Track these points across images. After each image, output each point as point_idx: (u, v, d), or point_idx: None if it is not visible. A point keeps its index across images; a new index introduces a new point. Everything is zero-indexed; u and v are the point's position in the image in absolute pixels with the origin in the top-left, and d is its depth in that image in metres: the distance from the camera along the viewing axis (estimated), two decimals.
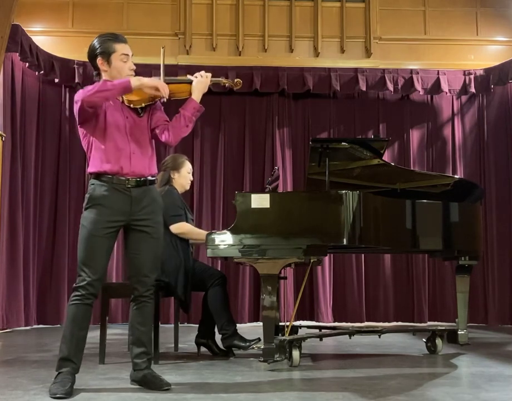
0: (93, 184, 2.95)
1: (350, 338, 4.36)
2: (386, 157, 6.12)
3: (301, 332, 4.62)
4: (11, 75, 6.42)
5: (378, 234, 3.83)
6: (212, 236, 3.65)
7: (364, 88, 7.22)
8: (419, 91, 7.29)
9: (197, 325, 4.23)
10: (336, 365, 3.88)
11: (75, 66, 6.91)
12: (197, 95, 3.08)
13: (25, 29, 6.44)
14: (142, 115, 3.03)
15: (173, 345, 4.48)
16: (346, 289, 7.15)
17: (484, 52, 7.57)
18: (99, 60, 2.97)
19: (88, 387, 2.96)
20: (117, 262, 6.95)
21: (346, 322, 6.97)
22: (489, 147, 7.36)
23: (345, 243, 3.63)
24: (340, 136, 7.30)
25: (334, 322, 7.00)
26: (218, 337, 4.06)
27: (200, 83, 3.10)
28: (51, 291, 6.80)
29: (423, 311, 7.12)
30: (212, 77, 3.17)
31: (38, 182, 6.83)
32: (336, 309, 7.13)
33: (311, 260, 3.67)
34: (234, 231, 3.61)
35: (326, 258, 6.85)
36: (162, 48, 3.12)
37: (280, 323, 4.40)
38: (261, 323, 3.76)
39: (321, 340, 4.38)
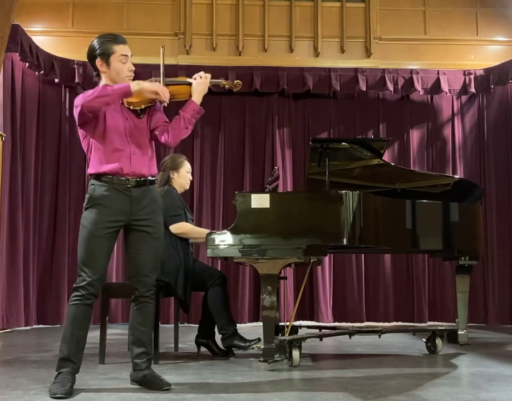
0: (93, 185, 2.95)
1: (350, 338, 4.36)
2: (386, 157, 6.12)
3: (301, 332, 4.62)
4: (11, 75, 6.42)
5: (378, 234, 3.83)
6: (212, 236, 3.65)
7: (364, 88, 7.22)
8: (419, 91, 7.29)
9: (197, 325, 4.23)
10: (336, 365, 3.88)
11: (75, 66, 6.91)
12: (197, 97, 3.08)
13: (25, 29, 6.44)
14: (141, 116, 3.03)
15: (173, 345, 4.48)
16: (346, 289, 7.15)
17: (484, 52, 7.57)
18: (98, 62, 2.97)
19: (88, 387, 2.96)
20: (117, 262, 6.95)
21: (347, 322, 6.97)
22: (489, 147, 7.36)
23: (345, 243, 3.64)
24: (340, 136, 7.30)
25: (334, 322, 7.00)
26: (218, 337, 4.06)
27: (200, 84, 3.10)
28: (51, 291, 6.80)
29: (423, 311, 7.12)
30: (211, 78, 3.16)
31: (38, 182, 6.83)
32: (336, 309, 7.13)
33: (311, 260, 3.67)
34: (234, 231, 3.61)
35: (326, 258, 6.85)
36: (162, 47, 3.11)
37: (280, 323, 4.40)
38: (261, 323, 3.76)
39: (321, 340, 4.38)
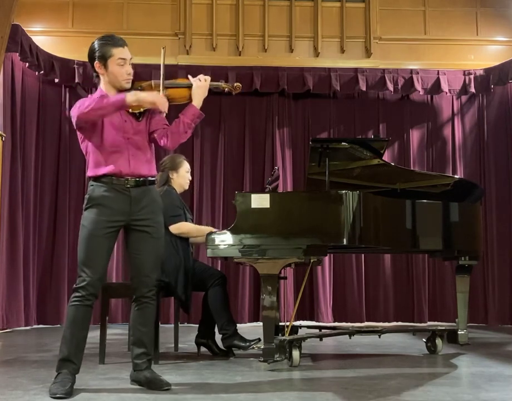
0: (92, 185, 2.96)
1: (350, 338, 4.36)
2: (386, 157, 6.12)
3: (301, 332, 4.62)
4: (11, 75, 6.42)
5: (378, 234, 3.84)
6: (212, 236, 3.65)
7: (364, 88, 7.22)
8: (419, 91, 7.29)
9: (197, 325, 4.23)
10: (336, 365, 3.88)
11: (75, 66, 6.91)
12: (197, 101, 3.06)
13: (25, 29, 6.44)
14: (140, 119, 3.02)
15: (173, 345, 4.48)
16: (346, 289, 7.15)
17: (484, 52, 7.57)
18: (96, 64, 2.97)
19: (88, 387, 2.96)
20: (117, 262, 6.95)
21: (347, 322, 6.97)
22: (489, 147, 7.36)
23: (345, 243, 3.64)
24: (340, 136, 7.30)
25: (334, 322, 7.00)
26: (218, 337, 4.06)
27: (200, 88, 3.08)
28: (51, 291, 6.80)
29: (423, 311, 7.12)
30: (211, 81, 3.14)
31: (38, 182, 6.83)
32: (336, 309, 7.13)
33: (311, 260, 3.67)
34: (234, 231, 3.61)
35: (326, 258, 6.85)
36: (163, 48, 3.09)
37: (280, 323, 4.40)
38: (261, 323, 3.76)
39: (321, 340, 4.38)
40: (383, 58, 7.48)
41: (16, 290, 6.25)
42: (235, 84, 3.24)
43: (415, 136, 7.50)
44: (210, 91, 3.16)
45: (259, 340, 3.86)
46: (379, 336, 4.32)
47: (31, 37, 6.56)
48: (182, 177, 4.26)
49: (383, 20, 7.57)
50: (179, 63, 7.15)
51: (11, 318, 6.18)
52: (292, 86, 7.26)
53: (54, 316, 6.73)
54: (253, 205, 3.61)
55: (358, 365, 3.77)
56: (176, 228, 4.02)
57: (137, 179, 2.96)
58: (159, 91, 2.98)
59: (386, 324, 6.99)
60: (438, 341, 4.25)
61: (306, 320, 7.00)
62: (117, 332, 5.84)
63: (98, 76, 3.03)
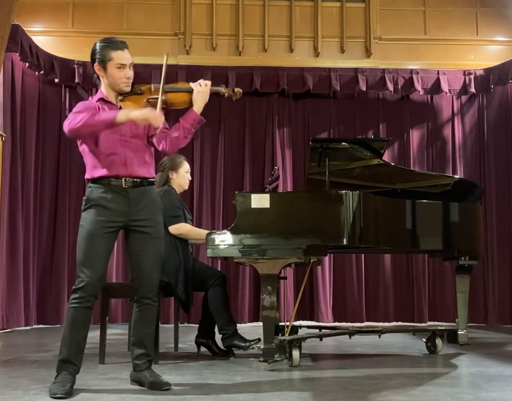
0: (90, 187, 2.96)
1: (350, 338, 4.36)
2: (386, 157, 6.12)
3: (301, 332, 4.62)
4: (11, 75, 6.42)
5: (378, 234, 3.83)
6: (212, 236, 3.65)
7: (364, 88, 7.22)
8: (419, 91, 7.29)
9: (197, 325, 4.23)
10: (336, 365, 3.88)
11: (75, 66, 6.91)
12: (198, 106, 3.04)
13: (25, 29, 6.44)
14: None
15: (173, 345, 4.48)
16: (346, 289, 7.15)
17: (484, 52, 7.57)
18: (96, 66, 2.98)
19: (88, 387, 2.96)
20: (117, 262, 6.95)
21: (346, 322, 6.97)
22: (489, 147, 7.36)
23: (345, 243, 3.64)
24: (340, 136, 7.30)
25: (334, 322, 7.00)
26: (218, 337, 4.06)
27: (201, 93, 3.04)
28: (51, 291, 6.81)
29: (423, 311, 7.12)
30: (211, 85, 3.11)
31: (38, 182, 6.84)
32: (336, 309, 7.13)
33: (311, 260, 3.67)
34: (234, 231, 3.61)
35: (326, 258, 6.85)
36: (166, 54, 3.04)
37: (280, 323, 4.39)
38: (261, 323, 3.76)
39: (321, 340, 4.37)
40: (383, 58, 7.48)
41: (16, 290, 6.25)
42: (236, 90, 3.14)
43: (415, 136, 7.50)
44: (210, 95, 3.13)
45: (259, 340, 3.86)
46: (379, 336, 4.32)
47: (31, 37, 6.56)
48: (181, 177, 4.26)
49: (383, 20, 7.57)
50: (179, 63, 7.14)
51: (11, 318, 6.18)
52: (292, 86, 7.26)
53: (54, 316, 6.73)
54: (253, 205, 3.61)
55: (358, 365, 3.77)
56: (175, 229, 4.02)
57: (135, 180, 2.96)
58: (158, 95, 2.95)
59: (386, 324, 6.99)
60: (438, 341, 4.25)
61: (306, 320, 7.00)
62: (117, 332, 5.84)
63: (98, 77, 3.04)
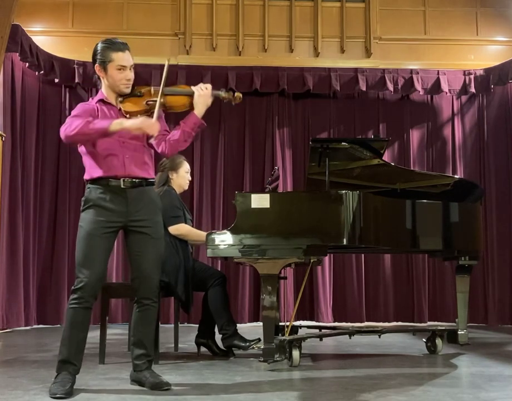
0: (88, 188, 2.96)
1: (350, 338, 4.36)
2: (386, 157, 6.12)
3: (301, 332, 4.62)
4: (11, 75, 6.42)
5: (378, 234, 3.83)
6: (212, 236, 3.65)
7: (364, 88, 7.22)
8: (419, 91, 7.29)
9: (197, 325, 4.23)
10: (336, 365, 3.88)
11: (75, 66, 6.90)
12: (200, 110, 3.02)
13: (25, 29, 6.44)
14: None
15: (173, 345, 4.48)
16: (346, 289, 7.15)
17: (484, 52, 7.57)
18: (96, 67, 2.98)
19: (88, 387, 2.96)
20: (117, 262, 6.95)
21: (346, 322, 6.97)
22: (489, 147, 7.36)
23: (345, 243, 3.64)
24: (340, 136, 7.30)
25: (334, 322, 7.00)
26: (218, 337, 4.06)
27: (202, 97, 3.02)
28: (51, 291, 6.81)
29: (423, 311, 7.12)
30: (211, 88, 3.10)
31: (38, 182, 6.84)
32: (336, 309, 7.13)
33: (311, 260, 3.67)
34: (234, 231, 3.61)
35: (326, 258, 6.85)
36: (167, 60, 3.02)
37: (280, 323, 4.40)
38: (261, 323, 3.76)
39: (321, 340, 4.37)
40: (383, 58, 7.48)
41: (16, 290, 6.25)
42: (236, 94, 3.11)
43: (415, 136, 7.50)
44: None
45: (259, 340, 3.86)
46: (379, 336, 4.32)
47: (31, 37, 6.56)
48: (181, 177, 4.26)
49: (383, 20, 7.57)
50: (179, 63, 7.14)
51: (11, 318, 6.18)
52: (292, 86, 7.26)
53: (54, 316, 6.73)
54: (253, 205, 3.61)
55: (358, 365, 3.77)
56: (175, 229, 4.02)
57: (133, 180, 2.95)
58: (157, 98, 2.94)
59: (386, 324, 6.99)
60: (438, 341, 4.25)
61: (306, 320, 7.00)
62: (117, 332, 5.84)
63: (99, 78, 3.04)
